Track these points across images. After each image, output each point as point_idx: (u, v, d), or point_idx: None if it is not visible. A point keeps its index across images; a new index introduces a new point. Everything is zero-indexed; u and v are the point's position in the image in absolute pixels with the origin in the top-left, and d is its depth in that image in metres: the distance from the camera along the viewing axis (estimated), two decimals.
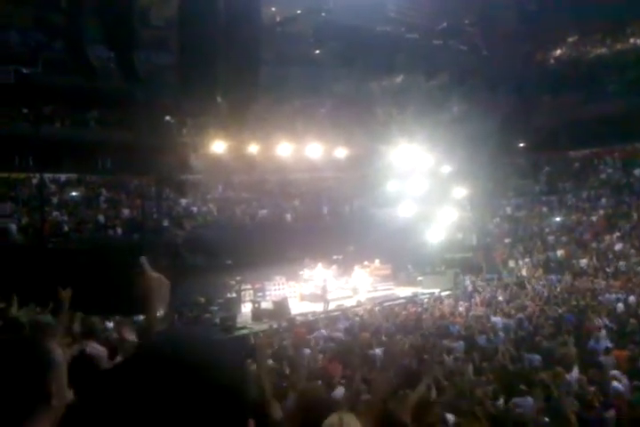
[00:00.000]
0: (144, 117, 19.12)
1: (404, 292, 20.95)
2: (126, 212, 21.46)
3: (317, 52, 26.01)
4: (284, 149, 22.78)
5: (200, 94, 16.71)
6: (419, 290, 21.10)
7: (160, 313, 1.78)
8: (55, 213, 20.07)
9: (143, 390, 0.86)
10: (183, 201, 23.00)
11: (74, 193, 22.38)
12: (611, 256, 23.17)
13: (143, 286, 1.77)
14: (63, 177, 23.00)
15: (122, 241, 19.26)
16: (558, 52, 34.03)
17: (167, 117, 21.69)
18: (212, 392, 0.87)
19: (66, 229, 19.47)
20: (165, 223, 20.94)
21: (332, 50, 25.37)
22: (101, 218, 20.59)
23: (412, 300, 18.95)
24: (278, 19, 27.03)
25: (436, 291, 20.02)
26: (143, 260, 1.79)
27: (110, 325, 12.33)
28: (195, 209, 22.86)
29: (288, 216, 24.31)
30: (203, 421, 0.85)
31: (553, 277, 22.62)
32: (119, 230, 20.20)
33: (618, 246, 23.64)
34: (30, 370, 1.29)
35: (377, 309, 16.57)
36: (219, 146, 20.89)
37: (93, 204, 21.83)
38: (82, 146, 21.66)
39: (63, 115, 22.77)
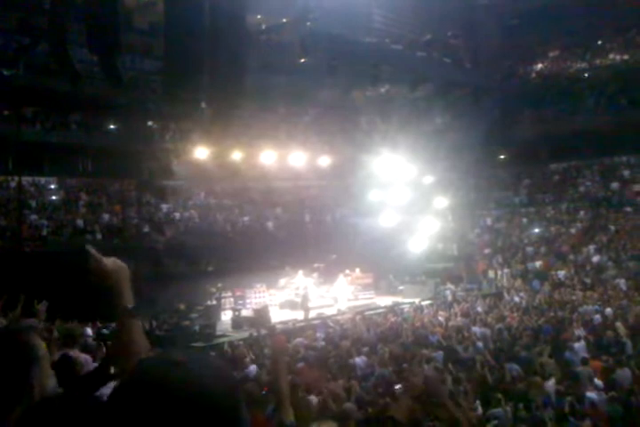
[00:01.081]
0: (126, 122, 18.99)
1: (385, 301, 20.96)
2: (106, 216, 21.23)
3: (302, 60, 26.11)
4: (268, 157, 22.76)
5: (184, 100, 16.69)
6: (399, 299, 21.13)
7: (129, 305, 1.70)
8: (33, 217, 19.80)
9: (135, 420, 0.84)
10: (164, 207, 22.84)
11: (53, 197, 22.12)
12: (588, 268, 23.48)
13: (98, 277, 1.67)
14: (42, 180, 22.73)
15: (101, 246, 19.02)
16: (539, 66, 34.60)
17: (150, 122, 21.57)
18: (206, 420, 0.86)
19: (44, 232, 19.20)
20: (146, 229, 20.76)
21: (317, 59, 25.48)
22: (80, 222, 20.34)
23: (393, 309, 18.95)
24: (264, 27, 27.11)
25: (417, 300, 20.07)
26: (90, 248, 1.68)
27: (89, 331, 12.16)
28: (176, 215, 22.71)
29: (270, 224, 24.26)
30: None
31: (536, 282, 22.90)
32: (98, 235, 19.97)
33: (595, 258, 23.97)
34: (15, 363, 1.28)
35: (358, 317, 16.55)
36: (201, 152, 20.81)
37: (72, 207, 21.57)
38: (62, 149, 21.42)
39: (44, 117, 22.52)
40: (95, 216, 21.18)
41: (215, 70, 16.75)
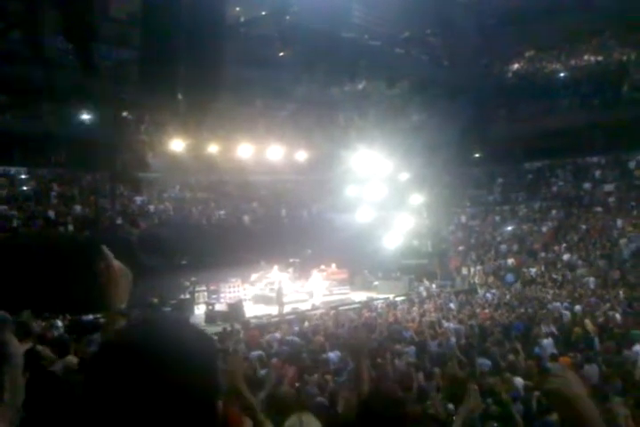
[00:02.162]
0: (101, 112, 18.67)
1: (360, 296, 21.07)
2: (78, 208, 20.86)
3: (281, 54, 25.98)
4: (245, 151, 22.62)
5: (160, 91, 16.46)
6: (374, 295, 21.26)
7: (121, 307, 1.70)
8: (3, 207, 19.38)
9: (111, 386, 0.84)
10: (138, 199, 22.53)
11: (24, 187, 21.66)
12: (559, 266, 23.91)
13: (106, 279, 1.68)
14: (13, 170, 22.24)
15: (73, 238, 18.72)
16: (515, 65, 34.98)
17: (125, 113, 21.23)
18: (185, 380, 0.85)
19: (14, 224, 18.81)
20: (119, 221, 20.47)
21: (295, 53, 25.38)
22: (52, 213, 19.97)
23: (367, 304, 19.06)
24: (242, 19, 26.89)
25: (391, 296, 20.21)
26: (105, 249, 1.69)
27: (59, 323, 11.97)
28: (150, 208, 22.43)
29: (246, 218, 24.14)
30: (172, 413, 0.84)
31: (510, 275, 23.27)
32: (70, 227, 19.63)
33: (566, 257, 24.41)
34: None
35: (332, 313, 16.60)
36: (177, 144, 20.58)
37: (44, 199, 21.15)
38: (34, 139, 20.97)
39: (15, 106, 22.01)
40: (67, 208, 20.80)
41: (192, 62, 16.56)
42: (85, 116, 23.02)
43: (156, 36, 15.91)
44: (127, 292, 1.67)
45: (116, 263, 1.67)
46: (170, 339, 0.89)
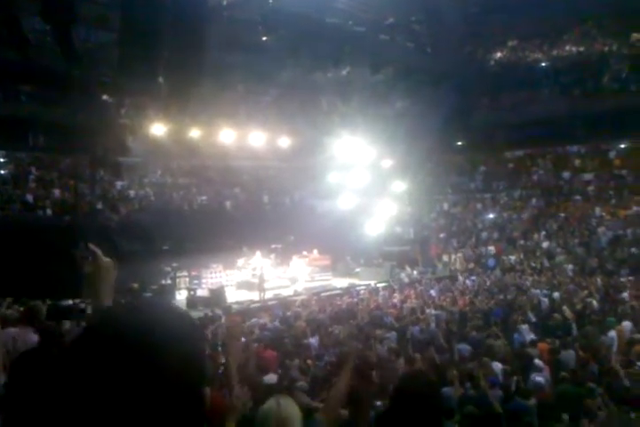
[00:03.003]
0: (80, 95, 18.32)
1: (342, 283, 21.16)
2: (57, 192, 20.55)
3: (264, 39, 25.67)
4: (227, 136, 22.43)
5: (141, 74, 16.22)
6: (355, 281, 21.36)
7: (108, 301, 1.66)
8: None
9: (93, 371, 0.82)
10: (119, 184, 22.26)
11: (2, 171, 21.27)
12: (538, 254, 24.22)
13: (92, 275, 1.63)
14: None
15: (52, 223, 18.46)
16: (498, 54, 35.04)
17: (105, 96, 20.87)
18: (169, 364, 0.84)
19: None
20: (99, 206, 20.22)
21: (279, 38, 25.10)
22: (30, 198, 19.65)
23: (349, 291, 19.15)
24: (225, 2, 26.48)
25: (373, 283, 20.32)
26: (91, 246, 1.63)
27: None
28: (131, 193, 22.18)
29: (228, 204, 24.00)
30: (156, 398, 0.82)
31: (492, 260, 23.53)
32: (49, 211, 19.35)
33: (545, 244, 24.73)
34: None
35: (314, 299, 16.65)
36: (158, 129, 20.33)
37: (22, 182, 20.79)
38: (12, 121, 20.54)
39: None
40: (46, 192, 20.48)
41: (174, 45, 16.31)
42: (65, 100, 22.58)
43: (136, 18, 15.64)
44: (112, 286, 1.63)
45: (103, 259, 1.63)
46: (154, 323, 0.87)
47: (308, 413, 3.01)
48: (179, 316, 0.92)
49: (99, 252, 1.63)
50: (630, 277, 19.02)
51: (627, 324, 12.33)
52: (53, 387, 0.84)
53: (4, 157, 22.03)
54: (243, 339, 11.35)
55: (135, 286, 16.22)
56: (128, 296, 15.50)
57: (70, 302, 13.24)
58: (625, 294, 15.93)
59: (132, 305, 0.93)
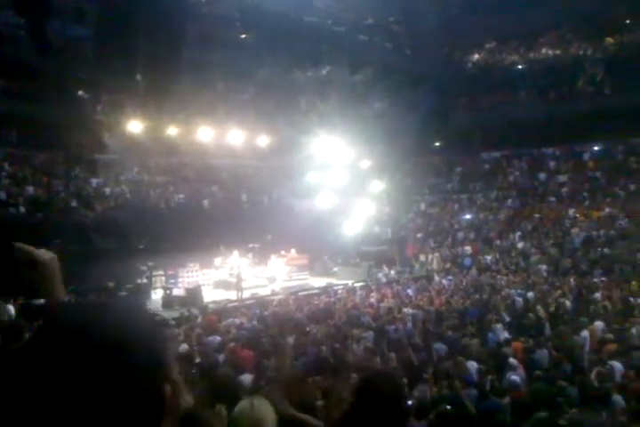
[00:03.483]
0: (55, 90, 18.01)
1: (319, 282, 21.16)
2: (30, 189, 20.17)
3: (243, 36, 25.55)
4: (205, 134, 22.27)
5: (118, 70, 16.01)
6: (333, 281, 21.38)
7: (62, 297, 1.60)
8: None
9: (46, 365, 0.80)
10: (94, 181, 21.92)
11: None
12: (513, 254, 24.52)
13: (34, 275, 1.57)
14: None
15: (24, 220, 18.11)
16: (476, 56, 35.40)
17: (81, 92, 20.55)
18: (128, 363, 0.82)
19: None
20: (74, 203, 19.90)
21: (257, 36, 25.01)
22: (2, 194, 19.25)
23: (326, 290, 19.16)
24: None
25: (350, 282, 20.35)
26: (19, 246, 1.55)
27: (11, 307, 11.59)
28: (107, 190, 21.87)
29: (206, 202, 23.83)
30: (113, 395, 0.80)
31: (468, 259, 23.73)
32: (22, 209, 18.98)
33: (520, 245, 25.05)
34: None
35: (292, 298, 16.62)
36: (135, 126, 20.09)
37: None
38: None
39: None
40: (19, 189, 20.08)
41: (152, 41, 16.14)
42: (39, 95, 22.18)
43: (113, 13, 15.44)
44: (60, 281, 1.57)
45: (41, 252, 1.55)
46: (109, 319, 0.86)
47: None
48: (137, 313, 0.91)
49: (27, 248, 1.55)
50: (603, 278, 19.36)
51: (599, 324, 12.54)
52: (6, 383, 0.82)
53: None
54: (218, 338, 11.29)
55: (111, 284, 16.03)
56: (104, 295, 15.32)
57: (42, 300, 12.99)
58: (597, 295, 16.21)
59: (88, 302, 0.91)
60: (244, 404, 2.58)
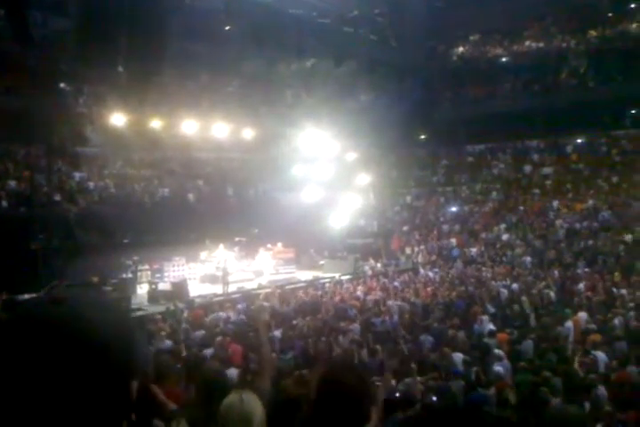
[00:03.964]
0: (36, 83, 17.73)
1: (306, 275, 21.15)
2: (13, 184, 19.88)
3: (227, 28, 25.34)
4: (189, 127, 22.08)
5: (99, 62, 15.80)
6: (320, 274, 21.39)
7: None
8: None
9: (15, 352, 0.80)
10: (77, 175, 21.65)
11: None
12: (498, 246, 24.69)
13: None
14: None
15: (7, 215, 17.86)
16: (461, 49, 35.45)
17: (62, 84, 20.25)
18: (92, 359, 0.81)
19: None
20: (57, 198, 19.66)
21: (242, 28, 24.81)
22: None
23: (313, 283, 19.16)
24: None
25: (337, 275, 20.38)
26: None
27: None
28: (90, 184, 21.62)
29: (191, 196, 23.67)
30: (78, 380, 0.80)
31: (456, 250, 23.81)
32: (4, 203, 18.71)
33: (505, 237, 25.22)
34: None
35: (278, 291, 16.61)
36: (118, 119, 19.86)
37: None
38: None
39: None
40: (1, 183, 19.79)
41: (134, 33, 15.94)
42: (20, 88, 21.83)
43: (94, 4, 15.21)
44: None
45: None
46: (75, 316, 0.85)
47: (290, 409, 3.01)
48: (102, 308, 0.89)
49: None
50: (586, 269, 19.57)
51: (582, 314, 12.70)
52: None
53: None
54: (204, 332, 11.25)
55: (95, 279, 15.87)
56: (89, 290, 15.17)
57: (27, 296, 12.86)
58: (581, 286, 16.40)
59: (49, 298, 0.89)
60: (232, 398, 2.56)
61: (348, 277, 20.55)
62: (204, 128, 22.52)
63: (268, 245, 21.53)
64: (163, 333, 10.95)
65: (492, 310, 13.96)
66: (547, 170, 29.44)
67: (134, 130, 20.33)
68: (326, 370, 1.99)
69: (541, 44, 32.71)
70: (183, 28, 21.38)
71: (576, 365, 8.79)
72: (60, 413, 0.79)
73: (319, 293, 16.82)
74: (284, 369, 8.36)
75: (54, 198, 19.40)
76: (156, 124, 21.13)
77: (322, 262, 23.06)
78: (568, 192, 27.36)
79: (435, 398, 7.62)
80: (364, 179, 26.77)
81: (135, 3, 15.07)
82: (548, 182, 28.58)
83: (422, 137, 34.37)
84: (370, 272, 21.29)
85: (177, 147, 22.81)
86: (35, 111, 17.91)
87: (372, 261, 23.09)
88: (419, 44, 33.09)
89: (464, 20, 32.94)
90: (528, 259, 22.19)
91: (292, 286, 18.61)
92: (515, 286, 16.77)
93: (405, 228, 27.97)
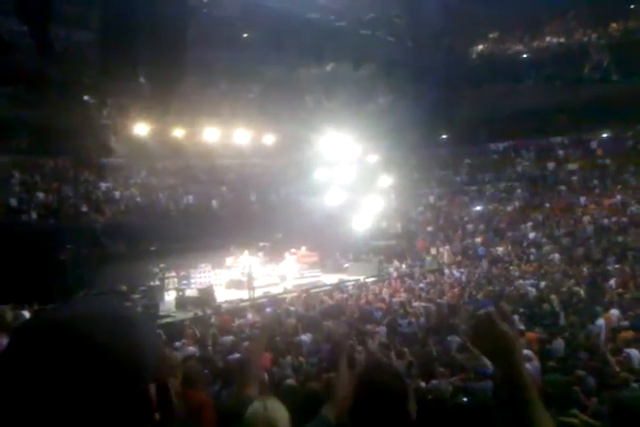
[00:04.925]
0: (61, 96, 18.12)
1: (331, 279, 21.15)
2: (41, 195, 20.33)
3: (245, 35, 25.58)
4: (211, 135, 22.33)
5: (121, 73, 16.08)
6: (345, 277, 21.37)
7: None
8: None
9: (25, 361, 0.81)
10: (103, 185, 22.05)
11: None
12: (525, 244, 24.38)
13: None
14: None
15: (36, 227, 18.26)
16: (480, 47, 35.18)
17: (86, 97, 20.67)
18: (96, 360, 0.82)
19: None
20: (84, 208, 20.03)
21: (260, 34, 25.02)
22: (14, 201, 19.41)
23: (338, 286, 19.16)
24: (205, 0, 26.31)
25: (362, 278, 20.34)
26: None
27: (26, 313, 11.69)
28: (116, 194, 22.00)
29: (215, 203, 23.90)
30: (89, 388, 0.80)
31: (482, 248, 23.57)
32: (33, 215, 19.13)
33: (531, 235, 24.89)
34: None
35: (304, 295, 16.64)
36: (141, 129, 20.18)
37: (5, 186, 20.52)
38: None
39: None
40: (30, 195, 20.24)
41: (154, 44, 16.19)
42: (46, 101, 22.33)
43: (115, 17, 15.49)
44: None
45: None
46: (88, 320, 0.85)
47: (315, 407, 3.00)
48: (116, 312, 0.90)
49: None
50: (616, 266, 19.20)
51: (614, 311, 12.45)
52: None
53: None
54: (232, 337, 11.33)
55: (123, 287, 16.11)
56: (116, 299, 15.39)
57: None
58: (611, 282, 16.09)
59: (69, 304, 0.91)
60: (257, 405, 2.57)
61: (373, 279, 20.50)
62: (225, 135, 22.75)
63: (293, 250, 21.60)
64: (191, 339, 11.07)
65: (519, 309, 13.78)
66: (572, 166, 29.00)
67: (157, 139, 20.65)
68: (364, 372, 2.00)
69: (562, 39, 32.31)
70: (202, 37, 21.66)
71: (611, 362, 8.63)
72: (83, 421, 0.79)
73: (344, 295, 16.80)
74: (311, 373, 8.39)
75: (81, 209, 19.76)
76: (178, 132, 21.42)
77: (346, 265, 23.04)
78: (595, 188, 26.91)
79: (465, 400, 7.56)
80: (386, 181, 26.71)
81: (154, 15, 15.30)
82: (574, 179, 28.15)
83: (443, 137, 34.15)
84: (395, 274, 21.21)
85: (199, 154, 23.08)
86: (61, 124, 18.32)
87: (396, 263, 22.99)
88: (436, 43, 32.93)
89: (482, 17, 32.69)
90: (557, 256, 21.85)
91: (318, 290, 18.63)
92: (543, 283, 16.53)
93: (429, 228, 27.79)
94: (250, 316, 13.96)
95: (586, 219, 24.60)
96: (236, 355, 9.72)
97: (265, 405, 2.52)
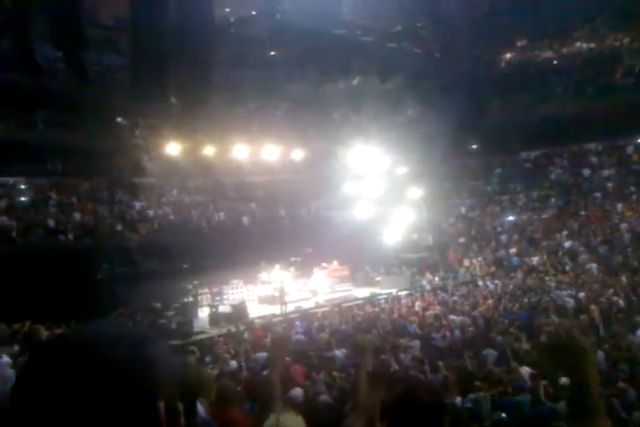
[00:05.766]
0: (94, 119, 18.65)
1: (363, 292, 21.04)
2: (77, 216, 20.85)
3: (272, 53, 25.94)
4: (240, 152, 22.61)
5: (152, 95, 16.45)
6: (377, 290, 21.24)
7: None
8: (2, 218, 19.35)
9: (38, 379, 0.84)
10: (137, 204, 22.51)
11: (22, 197, 21.62)
12: (560, 253, 23.86)
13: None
14: (11, 180, 22.18)
15: (73, 247, 18.70)
16: (508, 55, 34.92)
17: (119, 119, 21.21)
18: (107, 378, 0.84)
19: (13, 234, 18.78)
20: (119, 227, 20.46)
21: (287, 52, 25.35)
22: (51, 222, 19.95)
23: (370, 300, 19.04)
24: (232, 19, 26.86)
25: (394, 291, 20.18)
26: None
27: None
28: (150, 213, 22.41)
29: (245, 219, 24.12)
30: (97, 404, 0.83)
31: (516, 258, 23.11)
32: (70, 235, 19.62)
33: (567, 244, 24.37)
34: None
35: (336, 310, 16.59)
36: (173, 148, 20.57)
37: (42, 208, 21.12)
38: (30, 148, 20.96)
39: (9, 115, 21.95)
40: (66, 216, 20.78)
41: (183, 65, 16.54)
42: (79, 124, 22.99)
43: (144, 40, 15.89)
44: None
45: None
46: (97, 339, 0.89)
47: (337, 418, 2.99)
48: (127, 332, 0.94)
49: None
50: None
51: None
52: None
53: (24, 184, 22.41)
54: (266, 353, 11.33)
55: (157, 305, 16.32)
56: (151, 316, 15.61)
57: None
58: None
59: (87, 325, 0.95)
60: (271, 419, 2.59)
61: (405, 292, 20.32)
62: (254, 152, 23.00)
63: (324, 264, 21.59)
64: (226, 355, 11.11)
65: (556, 320, 13.47)
66: (607, 172, 28.37)
67: (188, 158, 21.00)
68: (402, 388, 2.01)
69: (593, 45, 31.82)
70: (230, 57, 22.06)
71: None
72: None
73: (377, 309, 16.69)
74: (345, 388, 8.33)
75: (116, 228, 20.17)
76: (208, 150, 21.75)
77: (378, 279, 22.90)
78: (631, 194, 26.24)
79: (504, 415, 7.41)
80: (416, 192, 26.55)
81: (182, 35, 15.68)
82: (610, 185, 27.51)
83: (473, 146, 33.84)
84: (428, 287, 20.98)
85: (229, 172, 23.37)
86: (94, 146, 18.81)
87: (429, 276, 22.75)
88: (464, 53, 32.81)
89: (510, 26, 32.50)
90: (594, 266, 21.32)
91: (349, 304, 18.55)
92: (581, 294, 16.14)
93: (462, 239, 27.46)
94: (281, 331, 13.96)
95: (623, 226, 23.99)
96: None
97: (278, 419, 2.54)
